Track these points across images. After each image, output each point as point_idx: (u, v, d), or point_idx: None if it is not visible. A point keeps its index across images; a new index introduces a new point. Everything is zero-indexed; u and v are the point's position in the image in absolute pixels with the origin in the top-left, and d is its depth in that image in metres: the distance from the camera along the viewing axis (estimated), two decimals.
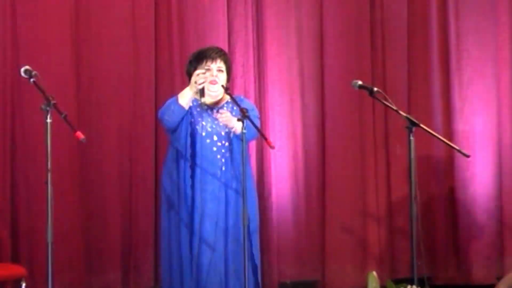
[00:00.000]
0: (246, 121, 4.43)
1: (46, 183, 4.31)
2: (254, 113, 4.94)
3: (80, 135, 4.30)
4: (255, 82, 6.45)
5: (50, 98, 4.28)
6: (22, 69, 4.47)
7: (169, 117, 4.97)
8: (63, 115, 4.28)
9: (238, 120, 4.54)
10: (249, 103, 5.17)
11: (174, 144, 4.93)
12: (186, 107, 4.93)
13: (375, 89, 4.73)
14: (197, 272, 4.76)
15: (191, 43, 6.19)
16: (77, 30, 6.06)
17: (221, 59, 5.06)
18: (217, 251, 4.76)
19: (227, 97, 5.02)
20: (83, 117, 5.82)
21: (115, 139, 6.15)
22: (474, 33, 6.80)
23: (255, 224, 4.93)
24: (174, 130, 4.93)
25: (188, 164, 4.80)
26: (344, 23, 6.68)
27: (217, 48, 5.24)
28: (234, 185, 4.85)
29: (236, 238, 4.77)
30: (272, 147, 4.64)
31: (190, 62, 5.04)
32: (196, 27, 6.29)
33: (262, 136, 4.58)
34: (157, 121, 5.92)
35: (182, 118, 4.88)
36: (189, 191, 4.80)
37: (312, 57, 6.67)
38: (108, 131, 6.11)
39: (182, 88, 4.96)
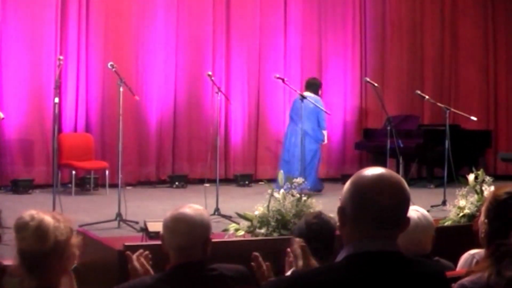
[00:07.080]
0: None
1: (119, 121, 7.13)
2: None
3: (136, 98, 7.33)
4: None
5: (122, 78, 6.97)
6: (109, 64, 7.18)
7: None
8: (128, 87, 6.96)
9: None
10: None
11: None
12: None
13: (285, 78, 9.10)
14: None
15: None
16: (138, 39, 10.57)
17: None
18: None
19: None
20: (138, 88, 10.08)
21: (152, 98, 10.73)
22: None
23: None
24: None
25: None
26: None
27: None
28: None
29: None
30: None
31: None
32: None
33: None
34: (177, 95, 10.75)
35: None
36: None
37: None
38: (147, 94, 10.64)
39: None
